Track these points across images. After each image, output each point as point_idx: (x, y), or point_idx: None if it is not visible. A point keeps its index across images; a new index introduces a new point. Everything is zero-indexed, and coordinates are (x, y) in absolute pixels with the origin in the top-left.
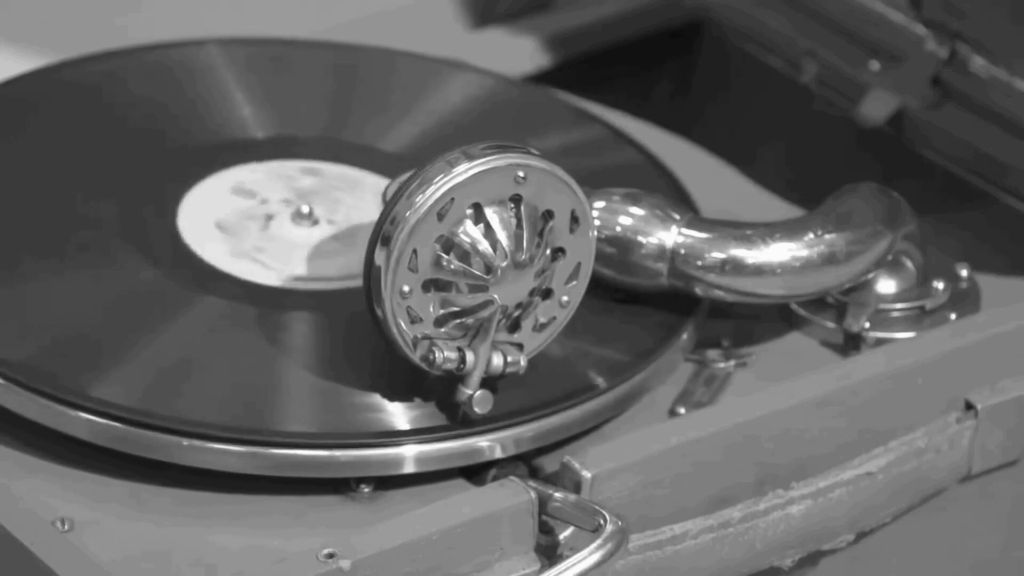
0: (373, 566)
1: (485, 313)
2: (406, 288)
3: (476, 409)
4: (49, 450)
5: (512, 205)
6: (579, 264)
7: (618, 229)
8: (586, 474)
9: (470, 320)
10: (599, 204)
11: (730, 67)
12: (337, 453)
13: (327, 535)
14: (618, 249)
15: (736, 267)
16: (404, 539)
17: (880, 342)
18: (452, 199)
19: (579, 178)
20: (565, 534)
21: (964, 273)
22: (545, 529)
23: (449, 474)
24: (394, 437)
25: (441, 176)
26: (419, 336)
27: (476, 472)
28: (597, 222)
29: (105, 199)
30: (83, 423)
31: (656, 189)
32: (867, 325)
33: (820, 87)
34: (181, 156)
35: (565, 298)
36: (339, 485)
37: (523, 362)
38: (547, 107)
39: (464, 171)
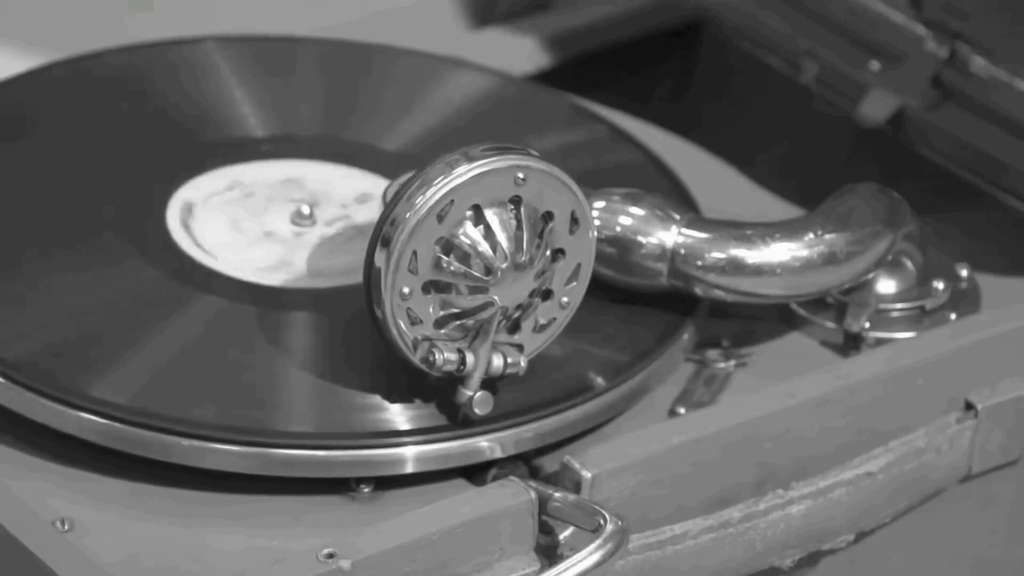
0: (373, 566)
1: (485, 314)
2: (406, 290)
3: (476, 410)
4: (49, 450)
5: (512, 206)
6: (579, 265)
7: (618, 229)
8: (586, 474)
9: (470, 321)
10: (599, 204)
11: (730, 67)
12: (337, 453)
13: (327, 535)
14: (618, 249)
15: (736, 267)
16: (404, 539)
17: (880, 342)
18: (452, 200)
19: (578, 176)
20: (565, 534)
21: (964, 273)
22: (545, 529)
23: (449, 474)
24: (394, 437)
25: (441, 177)
26: (419, 338)
27: (476, 472)
28: (597, 222)
29: (104, 198)
30: (83, 423)
31: (656, 189)
32: (867, 325)
33: (820, 87)
34: (180, 154)
35: (565, 299)
36: (339, 485)
37: (523, 363)
38: (548, 105)
39: (464, 172)
